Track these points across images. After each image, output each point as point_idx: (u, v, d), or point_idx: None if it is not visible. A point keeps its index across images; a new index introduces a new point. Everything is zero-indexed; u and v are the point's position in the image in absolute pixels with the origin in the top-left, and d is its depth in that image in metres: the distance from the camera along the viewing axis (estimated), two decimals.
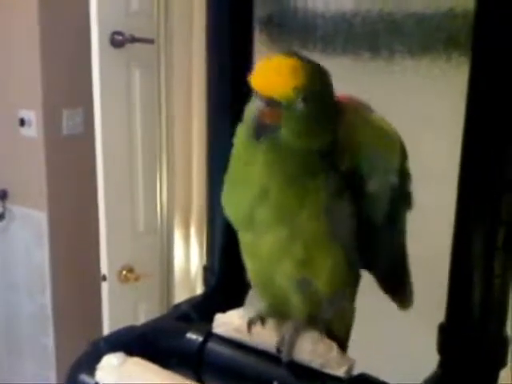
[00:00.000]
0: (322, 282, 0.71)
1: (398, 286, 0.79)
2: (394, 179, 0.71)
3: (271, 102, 0.64)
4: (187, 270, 1.41)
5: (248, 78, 0.65)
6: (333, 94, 0.69)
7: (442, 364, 0.76)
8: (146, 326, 0.84)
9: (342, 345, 0.79)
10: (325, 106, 0.67)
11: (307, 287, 0.71)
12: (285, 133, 0.65)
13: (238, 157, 0.71)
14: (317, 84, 0.65)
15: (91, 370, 0.70)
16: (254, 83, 0.65)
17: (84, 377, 0.71)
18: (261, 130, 0.65)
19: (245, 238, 0.73)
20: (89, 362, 0.72)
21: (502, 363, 0.74)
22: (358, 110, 0.72)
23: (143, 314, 1.95)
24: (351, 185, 0.72)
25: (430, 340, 0.75)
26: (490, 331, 0.73)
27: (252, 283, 0.78)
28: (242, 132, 0.69)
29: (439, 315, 0.75)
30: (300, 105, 0.64)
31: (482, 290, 0.71)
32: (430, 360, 0.75)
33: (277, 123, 0.65)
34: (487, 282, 0.71)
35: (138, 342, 0.79)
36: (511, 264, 0.72)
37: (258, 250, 0.71)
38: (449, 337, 0.75)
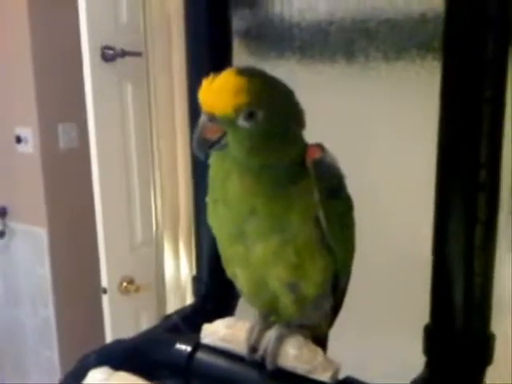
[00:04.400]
0: (310, 286, 0.72)
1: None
2: None
3: (212, 118, 0.65)
4: (179, 280, 1.42)
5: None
6: (293, 111, 0.69)
7: (429, 364, 0.76)
8: (135, 338, 0.84)
9: (323, 343, 0.80)
10: (279, 125, 0.66)
11: (297, 290, 0.72)
12: (233, 150, 0.66)
13: (213, 178, 0.72)
14: (267, 103, 0.64)
15: None
16: (200, 98, 0.65)
17: None
18: (203, 144, 0.66)
19: (235, 250, 0.73)
20: (76, 377, 0.73)
21: (488, 361, 0.75)
22: None
23: (145, 324, 1.95)
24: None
25: (416, 341, 0.76)
26: (475, 330, 0.74)
27: (242, 290, 0.78)
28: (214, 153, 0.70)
29: (425, 317, 0.76)
30: (243, 122, 0.64)
31: (464, 289, 0.72)
32: (416, 362, 0.76)
33: (215, 136, 0.65)
34: (468, 282, 0.71)
35: (128, 356, 0.80)
36: (492, 263, 0.73)
37: (251, 259, 0.71)
38: (434, 337, 0.76)
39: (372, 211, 0.90)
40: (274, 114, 0.65)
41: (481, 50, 0.67)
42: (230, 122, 0.64)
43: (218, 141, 0.66)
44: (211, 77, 0.65)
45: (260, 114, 0.64)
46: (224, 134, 0.66)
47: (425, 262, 0.75)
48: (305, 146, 0.71)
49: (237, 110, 0.63)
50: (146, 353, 0.81)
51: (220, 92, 0.64)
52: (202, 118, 0.66)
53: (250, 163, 0.67)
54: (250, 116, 0.64)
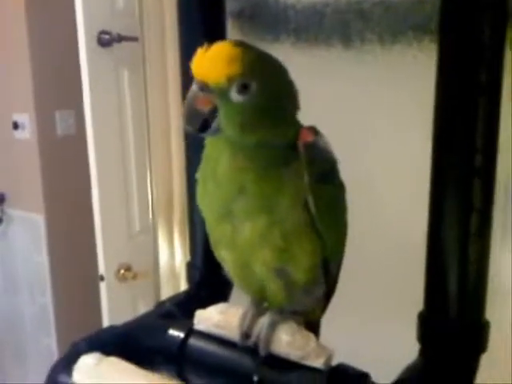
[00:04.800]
0: (299, 271, 0.71)
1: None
2: None
3: (204, 88, 0.63)
4: (174, 267, 1.41)
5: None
6: (288, 89, 0.68)
7: (423, 352, 0.76)
8: (127, 325, 0.84)
9: (315, 328, 0.79)
10: (273, 101, 0.65)
11: (285, 276, 0.71)
12: (223, 124, 0.64)
13: (207, 156, 0.71)
14: (261, 77, 0.63)
15: (69, 371, 0.70)
16: (193, 67, 0.64)
17: (62, 377, 0.71)
18: (193, 117, 0.64)
19: (223, 231, 0.72)
20: (68, 362, 0.72)
21: (482, 349, 0.74)
22: None
23: (142, 310, 1.94)
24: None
25: (411, 328, 0.75)
26: (469, 317, 0.73)
27: (231, 274, 0.78)
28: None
29: (420, 304, 0.75)
30: (236, 95, 0.62)
31: (458, 277, 0.71)
32: (411, 348, 0.75)
33: (207, 108, 0.63)
34: (462, 269, 0.71)
35: (120, 342, 0.80)
36: (487, 250, 0.72)
37: (238, 240, 0.70)
38: (428, 325, 0.75)
39: (367, 198, 0.89)
40: (268, 88, 0.64)
41: (477, 33, 0.66)
42: (223, 93, 0.62)
43: (210, 125, 0.64)
44: (205, 46, 0.63)
45: (254, 87, 0.63)
46: (215, 109, 0.64)
47: (420, 249, 0.74)
48: (299, 128, 0.69)
49: (230, 80, 0.62)
50: (138, 339, 0.81)
51: (214, 60, 0.62)
52: (193, 88, 0.64)
53: (243, 141, 0.65)
54: (244, 88, 0.62)
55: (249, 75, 0.62)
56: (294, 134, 0.68)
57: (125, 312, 1.91)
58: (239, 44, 0.64)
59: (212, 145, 0.70)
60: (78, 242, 2.32)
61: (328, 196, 0.70)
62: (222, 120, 0.64)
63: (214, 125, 0.65)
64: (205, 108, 0.64)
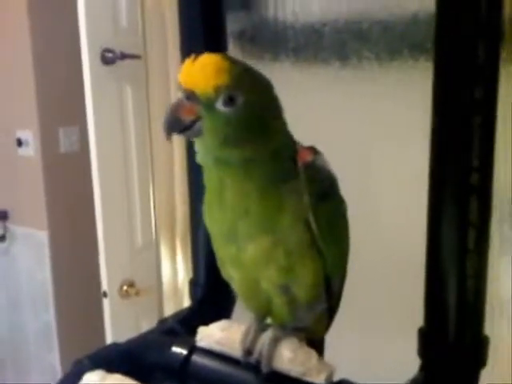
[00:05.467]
0: (302, 289, 0.72)
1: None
2: None
3: (191, 96, 0.63)
4: (176, 284, 1.42)
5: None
6: (273, 105, 0.68)
7: (424, 367, 0.76)
8: (130, 342, 0.84)
9: (319, 346, 0.80)
10: (257, 115, 0.65)
11: (289, 292, 0.72)
12: (207, 138, 0.65)
13: (207, 179, 0.71)
14: (247, 90, 0.64)
15: None
16: (180, 76, 0.64)
17: None
18: (174, 124, 0.64)
19: (229, 250, 0.73)
20: (72, 380, 0.73)
21: (482, 363, 0.75)
22: None
23: (145, 327, 1.94)
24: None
25: (412, 344, 0.76)
26: (468, 332, 0.74)
27: (237, 292, 0.79)
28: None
29: (419, 319, 0.76)
30: (221, 106, 0.63)
31: (457, 292, 0.72)
32: (411, 364, 0.76)
33: (189, 118, 0.63)
34: (461, 284, 0.71)
35: (123, 359, 0.80)
36: (485, 265, 0.73)
37: (243, 259, 0.71)
38: (428, 340, 0.76)
39: (366, 213, 0.90)
40: (254, 102, 0.64)
41: (472, 51, 0.67)
42: (209, 103, 0.63)
43: (191, 126, 0.64)
44: (193, 56, 0.64)
45: (240, 100, 0.63)
46: (198, 119, 0.64)
47: (420, 265, 0.75)
48: (293, 143, 0.70)
49: (217, 91, 0.62)
50: (141, 356, 0.82)
51: (202, 70, 0.63)
52: (179, 95, 0.64)
53: (224, 156, 0.65)
54: (230, 101, 0.63)
55: (236, 88, 0.63)
56: (286, 150, 0.69)
57: (128, 328, 1.92)
58: (227, 57, 0.65)
59: (210, 173, 0.70)
60: (81, 259, 2.32)
61: (328, 214, 0.71)
62: (204, 130, 0.64)
63: (196, 126, 0.64)
64: (187, 117, 0.64)
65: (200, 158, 0.69)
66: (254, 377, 0.74)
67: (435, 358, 0.75)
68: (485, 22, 0.67)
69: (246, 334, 0.76)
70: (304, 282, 0.72)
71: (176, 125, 0.64)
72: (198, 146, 0.68)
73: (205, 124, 0.64)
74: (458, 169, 0.69)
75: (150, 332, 0.89)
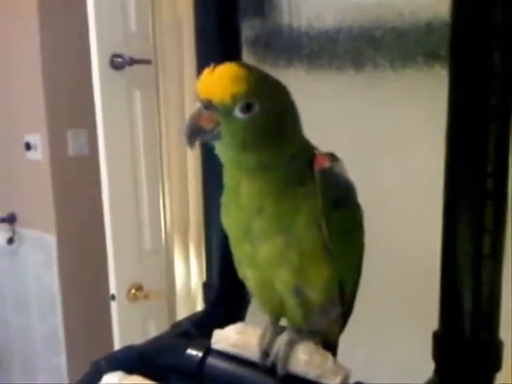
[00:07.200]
0: (314, 291, 0.73)
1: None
2: None
3: (209, 106, 0.65)
4: (189, 287, 1.43)
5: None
6: (289, 111, 0.69)
7: (438, 371, 0.77)
8: (146, 344, 0.85)
9: (332, 349, 0.81)
10: (274, 122, 0.66)
11: (302, 295, 0.73)
12: (226, 143, 0.67)
13: (226, 177, 0.73)
14: (264, 98, 0.65)
15: None
16: (198, 86, 0.66)
17: None
18: (195, 133, 0.66)
19: (244, 249, 0.74)
20: (90, 381, 0.73)
21: (497, 367, 0.75)
22: None
23: (153, 331, 1.96)
24: None
25: (426, 347, 0.77)
26: (483, 337, 0.74)
27: (252, 292, 0.80)
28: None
29: (434, 323, 0.76)
30: (239, 113, 0.65)
31: (472, 297, 0.72)
32: (426, 367, 0.76)
33: (209, 127, 0.65)
34: (476, 289, 0.72)
35: (139, 361, 0.81)
36: (500, 270, 0.73)
37: (257, 259, 0.73)
38: (443, 344, 0.76)
39: (382, 219, 0.90)
40: (270, 108, 0.66)
41: (488, 58, 0.68)
42: (227, 111, 0.65)
43: (211, 131, 0.66)
44: (212, 66, 0.65)
45: (257, 107, 0.65)
46: (217, 125, 0.66)
47: (435, 269, 0.75)
48: (310, 148, 0.72)
49: (235, 99, 0.64)
50: (157, 358, 0.82)
51: (220, 79, 0.64)
52: (198, 105, 0.66)
53: (242, 160, 0.67)
54: (247, 108, 0.64)
55: (252, 95, 0.64)
56: (302, 154, 0.70)
57: (136, 332, 1.92)
58: (245, 66, 0.66)
59: (229, 173, 0.72)
60: (89, 262, 2.33)
61: (341, 221, 0.71)
62: (223, 136, 0.66)
63: (215, 131, 0.66)
64: (207, 126, 0.66)
65: (221, 159, 0.71)
66: (270, 379, 0.75)
67: (449, 362, 0.75)
68: (500, 29, 0.68)
69: (263, 335, 0.77)
70: (316, 285, 0.73)
71: (197, 132, 0.66)
72: (218, 148, 0.69)
73: (223, 130, 0.66)
74: (473, 174, 0.70)
75: (165, 334, 0.89)
